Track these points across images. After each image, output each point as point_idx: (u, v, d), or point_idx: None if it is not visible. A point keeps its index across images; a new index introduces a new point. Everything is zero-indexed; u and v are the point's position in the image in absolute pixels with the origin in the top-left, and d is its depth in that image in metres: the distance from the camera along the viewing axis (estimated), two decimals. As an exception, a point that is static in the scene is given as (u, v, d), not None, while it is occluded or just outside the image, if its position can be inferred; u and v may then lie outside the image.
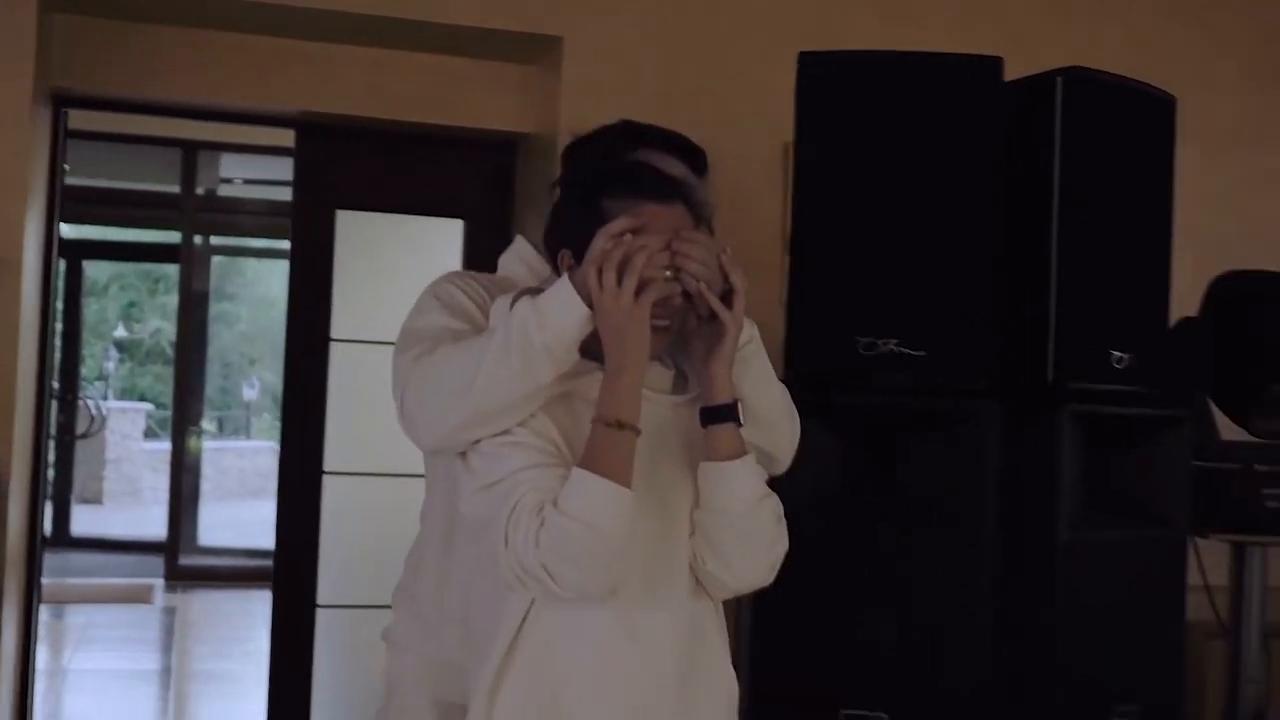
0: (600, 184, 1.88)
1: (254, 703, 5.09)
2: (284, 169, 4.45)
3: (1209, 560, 3.20)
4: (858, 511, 2.75)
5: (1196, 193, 4.06)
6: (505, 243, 2.29)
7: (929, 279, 2.70)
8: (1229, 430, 3.21)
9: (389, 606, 2.22)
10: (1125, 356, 2.76)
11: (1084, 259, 2.74)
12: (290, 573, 4.11)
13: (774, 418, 2.04)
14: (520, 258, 2.21)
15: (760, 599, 2.68)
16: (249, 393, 15.64)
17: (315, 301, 4.12)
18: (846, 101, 2.74)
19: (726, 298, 1.84)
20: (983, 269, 2.72)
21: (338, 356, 4.15)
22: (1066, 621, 2.70)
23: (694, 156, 2.13)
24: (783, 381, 2.10)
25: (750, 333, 1.95)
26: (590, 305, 1.80)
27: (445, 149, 4.12)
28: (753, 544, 1.93)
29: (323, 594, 4.12)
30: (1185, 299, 3.29)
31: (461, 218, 4.19)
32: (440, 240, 4.23)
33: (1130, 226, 2.85)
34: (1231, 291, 3.23)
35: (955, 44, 3.06)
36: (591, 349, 1.84)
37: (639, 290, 1.78)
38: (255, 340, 15.96)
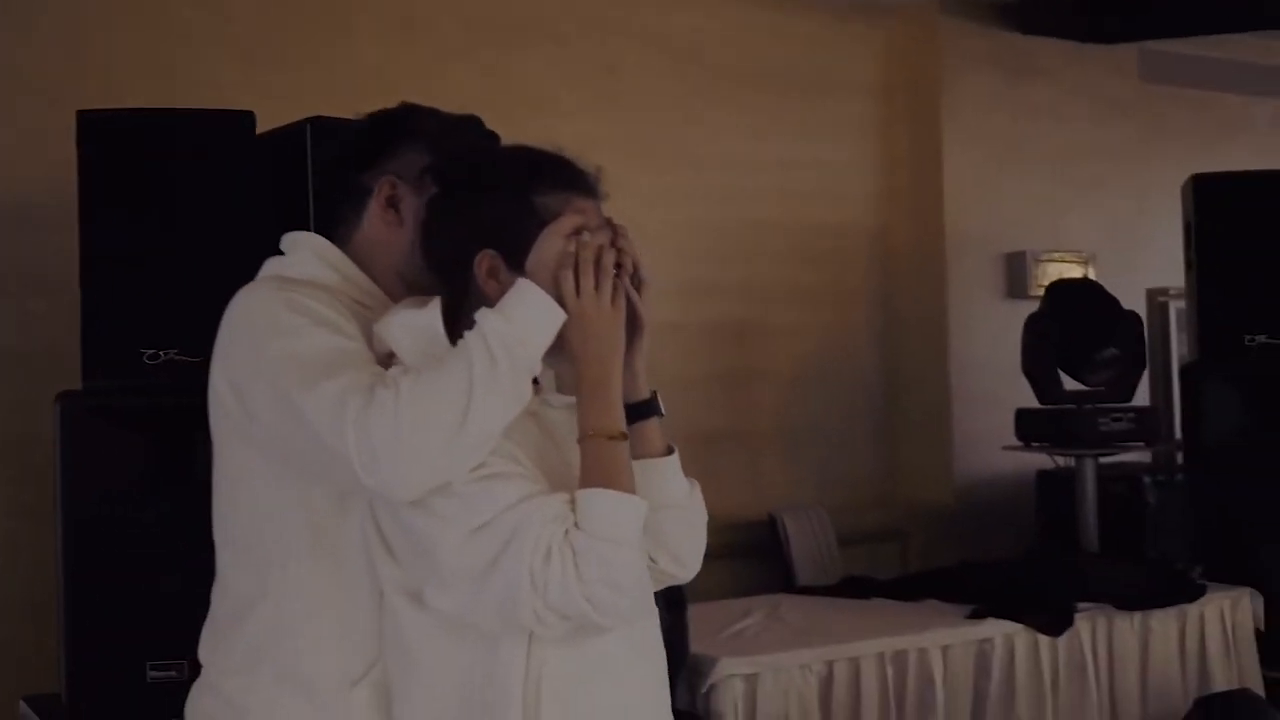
0: (529, 179, 1.74)
1: None
2: None
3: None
4: (161, 497, 3.18)
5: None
6: None
7: (206, 300, 3.21)
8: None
9: None
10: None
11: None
12: None
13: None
14: (319, 257, 1.92)
15: (75, 579, 3.13)
16: None
17: None
18: (124, 154, 3.22)
19: (638, 290, 1.78)
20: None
21: None
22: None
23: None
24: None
25: None
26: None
27: None
28: (697, 531, 1.88)
29: None
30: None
31: None
32: None
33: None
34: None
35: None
36: None
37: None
38: None
